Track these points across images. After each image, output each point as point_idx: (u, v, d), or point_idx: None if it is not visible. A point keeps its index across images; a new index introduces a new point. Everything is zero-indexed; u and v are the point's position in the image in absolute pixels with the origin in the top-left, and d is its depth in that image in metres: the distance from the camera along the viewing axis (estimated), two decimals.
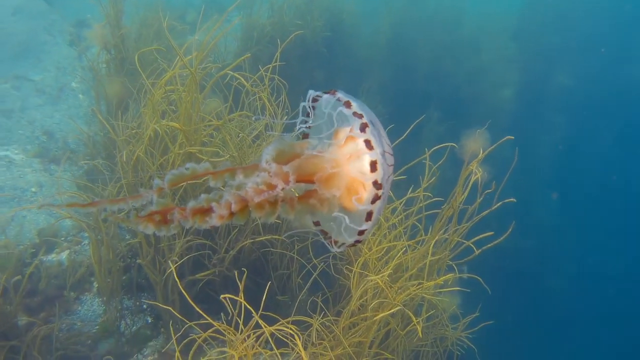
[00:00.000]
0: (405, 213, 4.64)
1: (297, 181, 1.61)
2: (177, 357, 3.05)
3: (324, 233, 1.88)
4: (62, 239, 6.42)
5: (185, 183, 1.78)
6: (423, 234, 4.61)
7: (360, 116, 1.66)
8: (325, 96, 1.77)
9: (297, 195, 1.69)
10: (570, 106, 15.85)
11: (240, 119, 5.18)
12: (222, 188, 1.71)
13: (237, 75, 4.46)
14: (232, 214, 1.62)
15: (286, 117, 5.17)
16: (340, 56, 11.45)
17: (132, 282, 5.56)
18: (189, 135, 4.53)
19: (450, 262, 4.52)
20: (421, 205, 4.56)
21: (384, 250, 4.27)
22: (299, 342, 2.88)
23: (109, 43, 6.60)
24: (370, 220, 1.68)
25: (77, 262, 5.98)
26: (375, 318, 3.68)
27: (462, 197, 4.22)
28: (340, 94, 1.75)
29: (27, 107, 8.71)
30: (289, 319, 3.51)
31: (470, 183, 4.14)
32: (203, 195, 1.66)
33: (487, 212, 4.22)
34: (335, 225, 1.79)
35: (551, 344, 12.08)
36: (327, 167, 1.65)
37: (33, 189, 7.21)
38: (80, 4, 7.03)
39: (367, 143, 1.64)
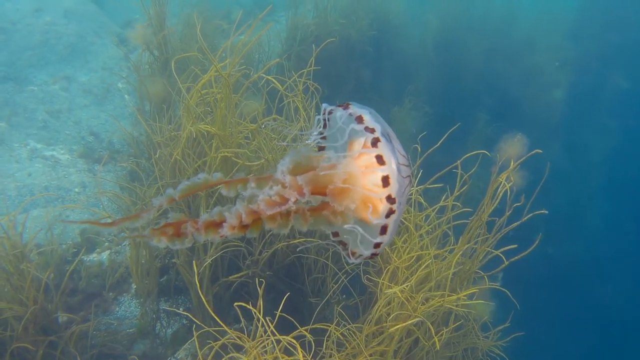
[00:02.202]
0: (437, 222, 4.49)
1: (312, 193, 1.61)
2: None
3: (343, 244, 1.88)
4: (104, 238, 6.49)
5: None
6: (452, 240, 4.47)
7: (372, 131, 1.63)
8: (339, 111, 1.74)
9: (309, 207, 1.68)
10: (625, 110, 15.24)
11: (275, 123, 5.11)
12: (236, 198, 1.69)
13: (271, 79, 4.38)
14: (245, 225, 1.61)
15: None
16: (386, 56, 11.28)
17: (170, 284, 5.57)
18: (224, 139, 4.49)
19: (481, 273, 4.35)
20: (449, 215, 4.40)
21: (414, 258, 4.13)
22: (300, 351, 2.79)
23: (151, 44, 6.63)
24: (385, 233, 1.67)
25: (116, 262, 6.04)
26: (390, 330, 3.57)
27: (491, 208, 4.05)
28: (353, 108, 1.71)
29: (74, 108, 8.87)
30: (307, 327, 3.46)
31: (500, 194, 3.96)
32: (216, 208, 1.65)
33: (516, 224, 4.04)
34: (352, 237, 1.79)
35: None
36: (340, 180, 1.62)
37: (76, 189, 7.33)
38: (130, 6, 7.13)
39: (379, 158, 1.61)
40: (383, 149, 1.61)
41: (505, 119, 11.41)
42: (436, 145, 4.28)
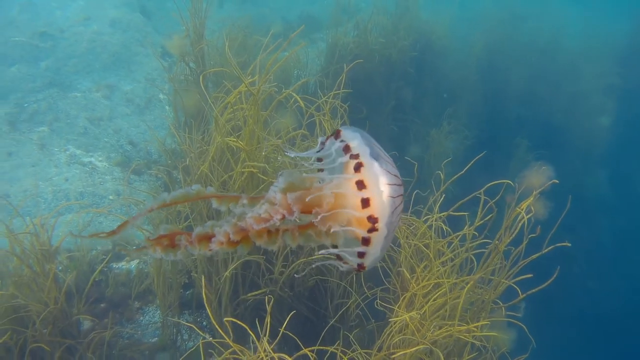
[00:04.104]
0: (458, 250, 4.37)
1: (302, 212, 1.68)
2: None
3: (339, 258, 1.91)
4: (134, 247, 6.53)
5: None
6: (475, 267, 4.35)
7: (357, 157, 1.70)
8: (331, 139, 1.81)
9: (298, 225, 1.75)
10: None
11: (303, 140, 5.10)
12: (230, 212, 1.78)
13: (297, 97, 4.36)
14: (234, 242, 1.68)
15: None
16: (428, 77, 11.18)
17: (194, 297, 5.57)
18: (251, 153, 4.48)
19: (500, 303, 4.21)
20: (468, 245, 4.28)
21: (431, 286, 4.03)
22: None
23: (188, 56, 6.70)
24: (369, 245, 1.72)
25: (144, 272, 6.06)
26: (395, 356, 3.49)
27: (509, 238, 3.92)
28: (343, 135, 1.78)
29: (115, 116, 9.03)
30: (312, 347, 3.42)
31: (518, 227, 3.83)
32: (209, 222, 1.73)
33: (536, 255, 3.89)
34: (346, 253, 1.84)
35: None
36: (329, 201, 1.68)
37: (111, 197, 7.42)
38: (176, 18, 7.26)
39: (360, 183, 1.68)
40: (365, 173, 1.67)
41: (547, 146, 11.19)
42: (462, 172, 4.19)
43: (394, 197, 1.70)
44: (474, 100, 11.91)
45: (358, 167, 1.67)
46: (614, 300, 11.79)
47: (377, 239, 1.68)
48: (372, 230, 1.66)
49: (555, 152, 11.44)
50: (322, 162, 1.86)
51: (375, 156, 1.71)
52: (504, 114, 12.46)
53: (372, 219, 1.65)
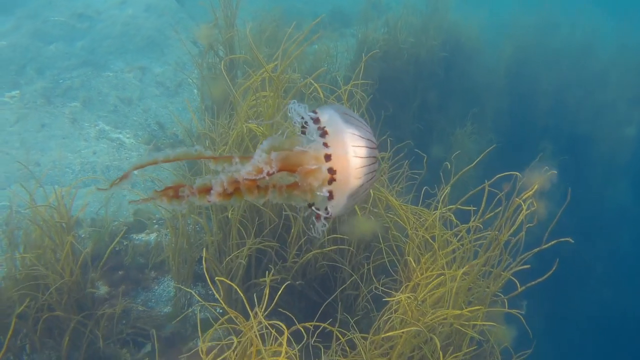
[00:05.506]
0: (464, 241, 4.47)
1: (281, 169, 1.92)
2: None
3: (317, 216, 2.10)
4: (154, 221, 6.76)
5: None
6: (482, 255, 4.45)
7: (318, 120, 1.96)
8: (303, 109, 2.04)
9: (284, 183, 1.98)
10: None
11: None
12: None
13: (317, 86, 4.52)
14: (228, 193, 1.91)
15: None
16: (456, 79, 11.22)
17: (207, 271, 5.74)
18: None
19: (502, 295, 4.30)
20: (472, 237, 4.38)
21: (434, 276, 4.14)
22: (286, 336, 2.89)
23: (216, 44, 6.87)
24: (332, 199, 1.96)
25: (162, 244, 6.27)
26: (387, 334, 3.62)
27: (509, 230, 4.01)
28: (318, 109, 2.03)
29: (145, 97, 9.31)
30: (307, 323, 3.52)
31: (518, 220, 3.92)
32: (208, 176, 1.95)
33: (537, 250, 3.97)
34: (320, 207, 2.06)
35: None
36: (308, 161, 1.92)
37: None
38: (209, 5, 7.47)
39: (326, 143, 1.93)
40: (331, 132, 1.93)
41: (572, 153, 11.18)
42: (470, 166, 4.30)
43: (364, 157, 1.94)
44: (500, 103, 11.93)
45: (323, 130, 1.94)
46: (628, 309, 11.74)
47: (338, 189, 1.93)
48: (331, 181, 1.91)
49: (578, 159, 11.43)
50: (306, 129, 2.08)
51: (345, 120, 1.96)
52: (530, 119, 12.45)
53: (332, 171, 1.90)
